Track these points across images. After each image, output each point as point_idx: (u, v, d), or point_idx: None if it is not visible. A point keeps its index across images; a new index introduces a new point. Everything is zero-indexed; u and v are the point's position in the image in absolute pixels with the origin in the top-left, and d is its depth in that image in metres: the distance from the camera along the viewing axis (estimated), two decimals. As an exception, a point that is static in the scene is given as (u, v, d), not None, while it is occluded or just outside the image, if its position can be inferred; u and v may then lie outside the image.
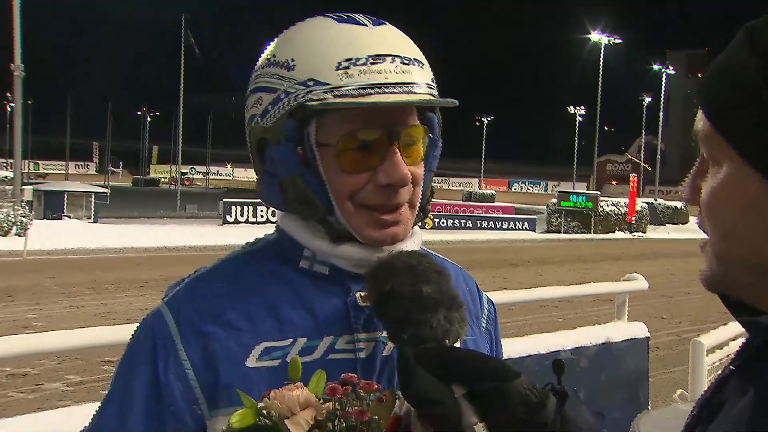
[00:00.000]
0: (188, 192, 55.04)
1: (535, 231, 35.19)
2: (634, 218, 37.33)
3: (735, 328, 4.32)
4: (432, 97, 1.08)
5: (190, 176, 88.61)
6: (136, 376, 1.07)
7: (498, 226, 34.81)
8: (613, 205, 37.64)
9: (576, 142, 72.94)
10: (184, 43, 41.90)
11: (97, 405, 1.12)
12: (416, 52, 1.09)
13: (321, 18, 1.11)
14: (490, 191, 70.83)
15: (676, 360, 9.18)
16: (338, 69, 1.03)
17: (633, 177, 40.42)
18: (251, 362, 1.05)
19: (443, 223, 33.76)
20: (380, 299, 0.97)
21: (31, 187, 32.35)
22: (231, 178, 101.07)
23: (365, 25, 1.08)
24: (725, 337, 4.46)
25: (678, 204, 46.35)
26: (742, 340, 0.90)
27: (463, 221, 35.06)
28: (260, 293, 1.10)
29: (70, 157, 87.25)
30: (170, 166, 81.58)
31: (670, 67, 73.78)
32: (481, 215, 36.29)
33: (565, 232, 35.00)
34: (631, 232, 37.03)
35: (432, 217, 31.72)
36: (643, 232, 38.10)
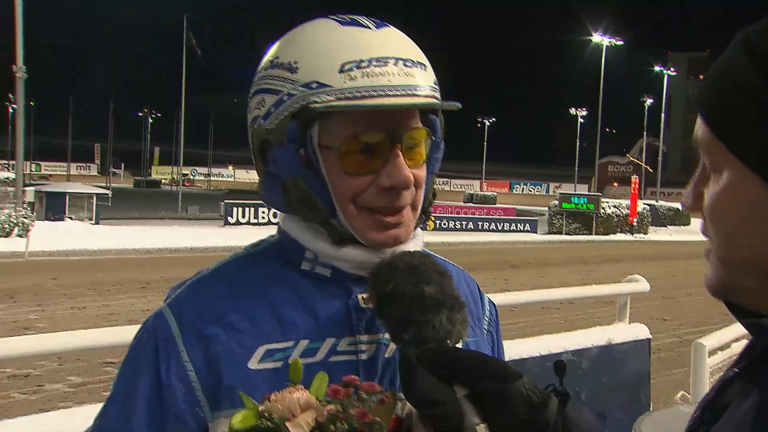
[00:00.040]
0: (190, 193, 55.10)
1: (536, 232, 35.21)
2: (635, 220, 37.35)
3: (737, 330, 4.32)
4: (435, 100, 1.08)
5: (191, 178, 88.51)
6: (139, 377, 1.07)
7: (499, 228, 34.84)
8: (615, 206, 37.66)
9: (577, 143, 72.91)
10: (186, 44, 41.96)
11: (98, 406, 1.12)
12: (419, 55, 1.09)
13: (324, 20, 1.10)
14: (491, 193, 70.88)
15: (677, 362, 9.18)
16: (341, 71, 1.03)
17: (634, 178, 40.46)
18: (253, 364, 1.05)
19: (445, 224, 33.78)
20: (382, 299, 0.97)
21: (32, 188, 32.42)
22: (232, 179, 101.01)
23: (368, 27, 1.08)
24: (727, 339, 4.46)
25: (679, 206, 46.27)
26: (744, 342, 0.90)
27: (464, 223, 35.09)
28: (262, 295, 1.09)
29: (72, 158, 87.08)
30: (172, 168, 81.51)
31: (672, 69, 73.73)
32: (482, 217, 36.33)
33: (566, 234, 35.01)
34: (632, 233, 37.04)
35: (433, 219, 31.71)
36: (645, 233, 38.11)
